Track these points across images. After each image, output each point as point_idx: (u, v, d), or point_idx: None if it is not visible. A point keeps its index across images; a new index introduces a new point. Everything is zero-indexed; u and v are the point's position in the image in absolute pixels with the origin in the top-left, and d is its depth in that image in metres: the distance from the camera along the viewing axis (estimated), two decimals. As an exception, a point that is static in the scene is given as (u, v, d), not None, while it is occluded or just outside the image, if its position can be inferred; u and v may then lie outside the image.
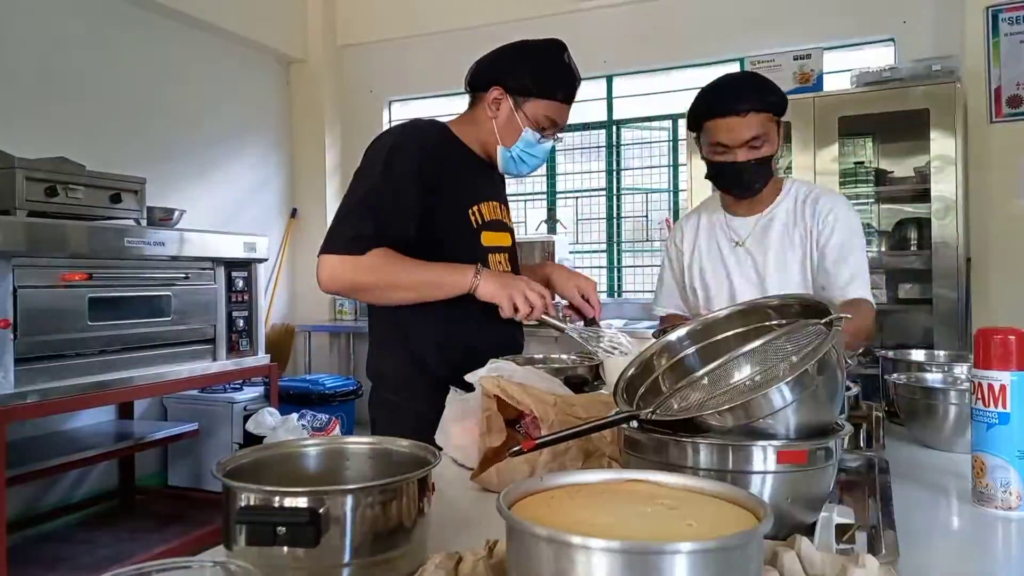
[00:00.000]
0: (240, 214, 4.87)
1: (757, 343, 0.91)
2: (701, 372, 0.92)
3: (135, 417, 3.99)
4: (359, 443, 0.90)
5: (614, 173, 5.02)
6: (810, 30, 4.20)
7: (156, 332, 3.33)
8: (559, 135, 1.70)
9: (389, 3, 5.32)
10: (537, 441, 0.87)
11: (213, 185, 4.73)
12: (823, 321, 0.91)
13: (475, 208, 1.66)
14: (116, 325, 3.13)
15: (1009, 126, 3.62)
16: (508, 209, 1.83)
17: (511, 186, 2.74)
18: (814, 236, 1.77)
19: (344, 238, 1.52)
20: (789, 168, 3.75)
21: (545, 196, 5.20)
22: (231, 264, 3.71)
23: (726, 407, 0.83)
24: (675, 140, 4.82)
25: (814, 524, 0.82)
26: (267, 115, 5.26)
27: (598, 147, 5.05)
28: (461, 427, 1.24)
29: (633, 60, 4.77)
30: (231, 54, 4.89)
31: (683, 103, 4.16)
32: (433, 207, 1.58)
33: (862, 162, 3.85)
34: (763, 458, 0.80)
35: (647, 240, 5.01)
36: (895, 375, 1.51)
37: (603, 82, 4.94)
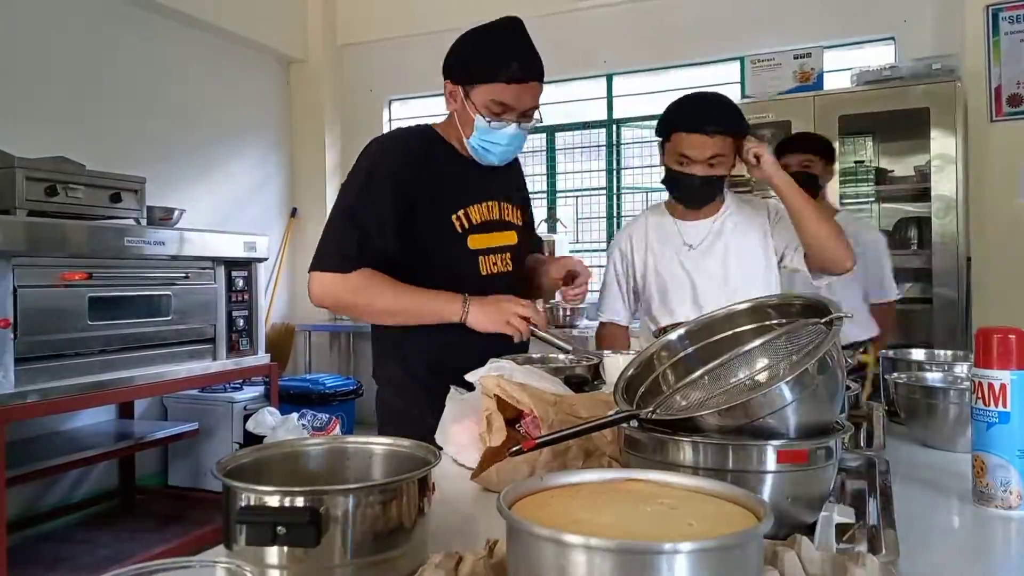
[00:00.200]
0: (240, 214, 4.87)
1: (757, 342, 0.91)
2: (701, 371, 0.92)
3: (135, 417, 3.99)
4: (359, 443, 0.89)
5: (614, 172, 5.02)
6: (810, 29, 4.20)
7: (156, 332, 3.33)
8: (537, 117, 1.63)
9: (389, 3, 5.31)
10: (537, 440, 0.86)
11: (213, 185, 4.73)
12: (823, 320, 0.91)
13: (460, 213, 1.64)
14: (116, 325, 3.13)
15: (1009, 125, 3.62)
16: (517, 205, 1.78)
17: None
18: (769, 217, 1.94)
19: (331, 255, 1.55)
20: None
21: (545, 195, 5.20)
22: (231, 263, 3.71)
23: (726, 406, 0.83)
24: (675, 139, 4.81)
25: (814, 524, 0.82)
26: (267, 115, 5.26)
27: (598, 146, 5.05)
28: (461, 427, 1.24)
29: (633, 59, 4.76)
30: (231, 54, 4.89)
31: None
32: (414, 218, 1.58)
33: (862, 161, 3.85)
34: (763, 458, 0.80)
35: (647, 239, 5.00)
36: (895, 374, 1.51)
37: (603, 81, 4.92)
